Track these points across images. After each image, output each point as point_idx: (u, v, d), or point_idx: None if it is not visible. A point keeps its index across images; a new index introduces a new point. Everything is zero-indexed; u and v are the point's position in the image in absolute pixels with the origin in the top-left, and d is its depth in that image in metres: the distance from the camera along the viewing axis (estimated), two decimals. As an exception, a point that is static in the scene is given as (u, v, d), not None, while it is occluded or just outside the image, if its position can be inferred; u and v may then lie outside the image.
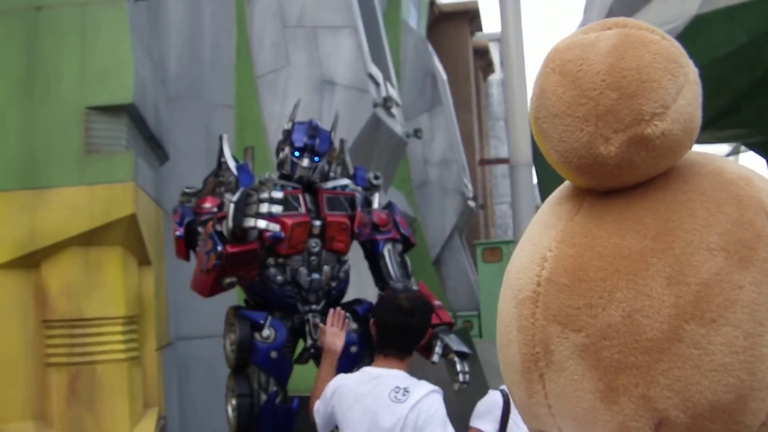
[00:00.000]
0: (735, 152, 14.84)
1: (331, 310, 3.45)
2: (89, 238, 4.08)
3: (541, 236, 0.86)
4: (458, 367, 3.75)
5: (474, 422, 2.85)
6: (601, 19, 0.87)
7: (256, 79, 7.86)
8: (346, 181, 4.25)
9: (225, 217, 3.49)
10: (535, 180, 8.68)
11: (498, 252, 14.26)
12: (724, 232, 0.76)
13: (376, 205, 4.30)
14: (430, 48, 15.74)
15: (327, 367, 3.30)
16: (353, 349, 3.94)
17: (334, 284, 4.09)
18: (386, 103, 8.44)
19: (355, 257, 4.41)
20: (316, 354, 3.89)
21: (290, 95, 7.44)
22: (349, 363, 3.68)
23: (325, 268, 4.03)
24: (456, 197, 15.08)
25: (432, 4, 18.80)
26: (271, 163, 5.68)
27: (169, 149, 5.55)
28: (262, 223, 3.39)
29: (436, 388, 2.82)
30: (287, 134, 4.07)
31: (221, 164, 4.06)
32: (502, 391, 2.86)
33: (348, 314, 3.93)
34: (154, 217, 4.72)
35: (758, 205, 0.78)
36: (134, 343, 4.26)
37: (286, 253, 3.91)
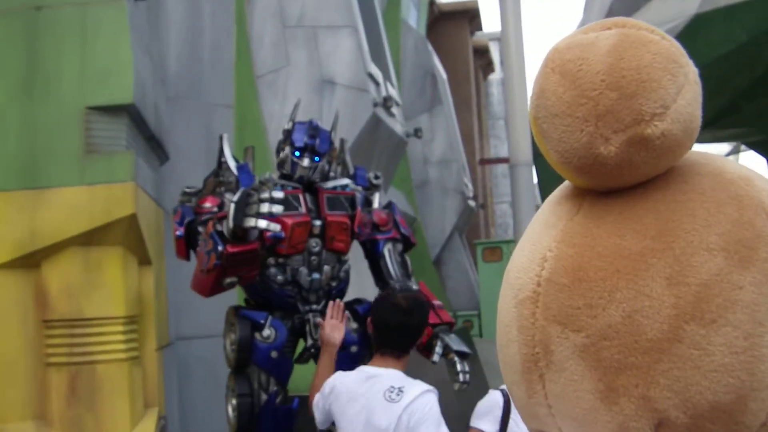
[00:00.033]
0: (735, 151, 14.84)
1: (331, 302, 3.45)
2: (89, 238, 4.08)
3: (541, 236, 0.86)
4: (458, 366, 3.75)
5: (474, 422, 2.85)
6: (601, 18, 0.87)
7: (256, 79, 7.85)
8: (346, 181, 4.25)
9: (225, 217, 3.49)
10: (535, 179, 8.68)
11: (498, 251, 14.27)
12: (724, 233, 0.76)
13: (376, 204, 4.30)
14: (430, 47, 15.74)
15: (326, 361, 3.31)
16: (353, 348, 3.94)
17: (334, 284, 4.09)
18: (386, 102, 8.44)
19: (356, 257, 4.41)
20: (316, 354, 3.89)
21: (290, 95, 7.44)
22: (349, 363, 3.68)
23: (326, 267, 4.03)
24: (456, 197, 15.08)
25: (432, 3, 18.80)
26: (271, 162, 5.68)
27: (169, 149, 5.55)
28: (262, 223, 3.39)
29: (430, 388, 2.83)
30: (287, 134, 4.07)
31: (221, 164, 4.06)
32: (502, 390, 2.85)
33: (348, 314, 3.93)
34: (154, 217, 4.72)
35: (758, 205, 0.78)
36: (134, 343, 4.26)
37: (286, 253, 3.91)
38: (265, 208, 3.38)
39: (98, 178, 4.11)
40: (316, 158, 4.00)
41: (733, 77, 8.64)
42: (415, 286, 4.13)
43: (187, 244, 3.93)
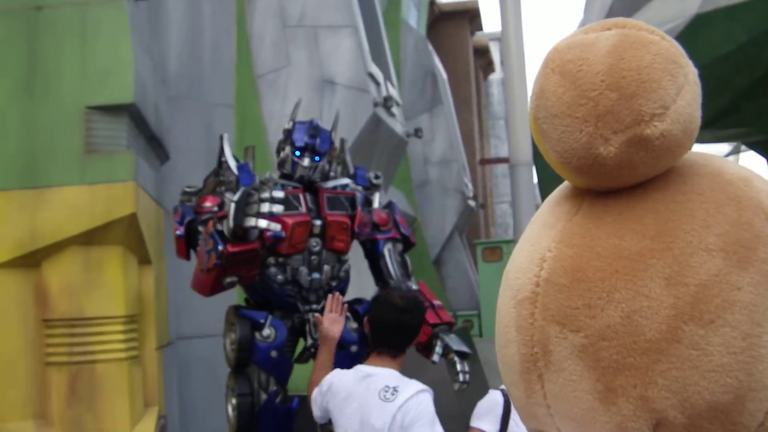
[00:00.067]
0: (735, 151, 14.83)
1: (330, 295, 3.45)
2: (90, 238, 4.08)
3: (540, 236, 0.86)
4: (458, 366, 3.75)
5: (474, 422, 2.84)
6: (601, 18, 0.87)
7: (257, 79, 7.85)
8: (346, 181, 4.25)
9: (226, 217, 3.50)
10: (535, 179, 8.68)
11: (498, 251, 14.27)
12: (723, 233, 0.76)
13: (376, 204, 4.30)
14: (431, 47, 15.73)
15: (325, 355, 3.31)
16: (353, 348, 3.94)
17: (334, 284, 4.09)
18: (386, 102, 8.43)
19: (356, 257, 4.41)
20: (316, 353, 3.89)
21: (291, 95, 7.44)
22: (348, 362, 3.67)
23: (326, 267, 4.03)
24: (456, 197, 15.08)
25: (432, 3, 18.80)
26: (271, 162, 5.69)
27: (170, 149, 5.55)
28: (263, 223, 3.39)
29: (425, 387, 2.83)
30: (288, 134, 4.07)
31: (222, 163, 4.06)
32: (502, 390, 2.85)
33: (348, 314, 3.93)
34: (154, 216, 4.73)
35: (757, 205, 0.78)
36: (134, 342, 4.26)
37: (286, 253, 3.91)
38: (265, 207, 3.38)
39: (99, 178, 4.11)
40: (317, 158, 4.00)
41: (733, 77, 8.64)
42: (415, 286, 4.13)
43: (187, 243, 3.93)
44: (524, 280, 0.84)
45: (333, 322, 3.35)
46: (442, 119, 15.11)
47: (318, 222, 3.98)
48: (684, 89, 0.76)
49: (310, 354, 4.02)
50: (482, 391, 3.02)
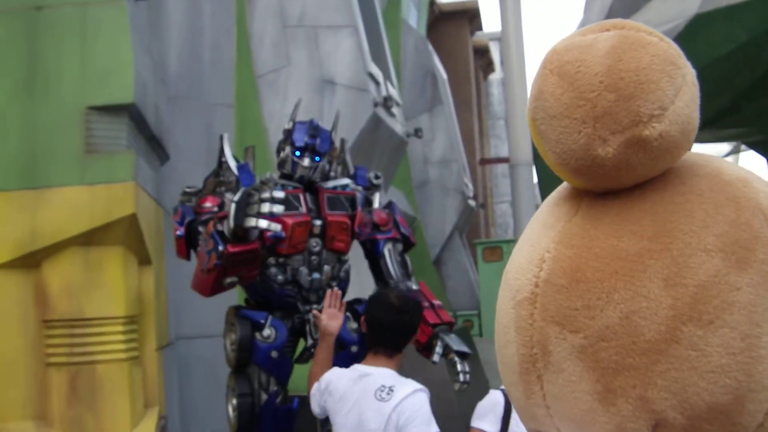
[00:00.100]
0: (735, 151, 14.82)
1: (328, 291, 3.45)
2: (90, 238, 4.08)
3: (540, 237, 0.86)
4: (459, 366, 3.75)
5: (475, 422, 2.85)
6: (601, 18, 0.87)
7: (257, 79, 7.85)
8: (346, 181, 4.25)
9: (226, 217, 3.50)
10: (535, 179, 8.68)
11: (498, 251, 14.26)
12: (722, 234, 0.76)
13: (376, 204, 4.30)
14: (431, 47, 15.73)
15: (324, 349, 3.32)
16: (354, 348, 3.94)
17: (334, 284, 4.09)
18: (386, 102, 8.43)
19: (356, 257, 4.41)
20: (316, 353, 3.89)
21: (291, 95, 7.44)
22: (349, 362, 3.67)
23: (326, 267, 4.03)
24: (456, 196, 15.07)
25: (432, 3, 18.79)
26: (271, 162, 5.69)
27: (170, 149, 5.55)
28: (263, 223, 3.39)
29: (421, 387, 2.84)
30: (288, 134, 4.07)
31: (222, 164, 4.06)
32: (503, 390, 2.85)
33: (348, 314, 3.93)
34: (154, 216, 4.73)
35: (756, 206, 0.78)
36: (135, 342, 4.27)
37: (286, 253, 3.92)
38: (265, 207, 3.38)
39: (99, 178, 4.11)
40: (317, 158, 4.00)
41: (733, 77, 8.63)
42: (415, 286, 4.13)
43: (187, 243, 3.93)
44: (523, 281, 0.85)
45: (332, 317, 3.35)
46: (442, 119, 15.11)
47: (318, 222, 3.98)
48: (682, 90, 0.76)
49: (310, 354, 4.02)
50: (482, 392, 3.02)
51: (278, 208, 3.41)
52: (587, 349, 0.77)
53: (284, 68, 7.91)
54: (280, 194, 3.43)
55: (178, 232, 3.92)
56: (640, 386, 0.75)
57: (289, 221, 3.81)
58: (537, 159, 7.74)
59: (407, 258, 4.32)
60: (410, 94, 13.97)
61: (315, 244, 3.99)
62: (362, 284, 5.36)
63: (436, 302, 4.02)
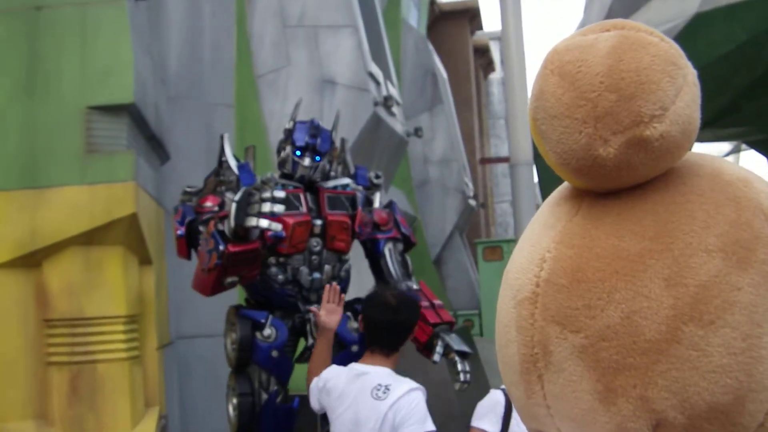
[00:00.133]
0: (736, 150, 14.83)
1: (327, 286, 3.46)
2: (90, 238, 4.08)
3: (540, 237, 0.86)
4: (459, 366, 3.75)
5: (475, 422, 2.85)
6: (601, 18, 0.87)
7: (257, 79, 7.85)
8: (347, 181, 4.25)
9: (227, 216, 3.50)
10: (535, 179, 8.68)
11: (499, 251, 14.24)
12: (723, 234, 0.76)
13: (377, 204, 4.30)
14: (431, 47, 15.71)
15: (323, 344, 3.33)
16: (354, 348, 3.94)
17: (335, 283, 4.09)
18: (387, 102, 8.43)
19: (356, 256, 4.41)
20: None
21: (291, 95, 7.44)
22: (349, 362, 3.68)
23: (326, 267, 4.03)
24: (456, 196, 15.06)
25: (432, 2, 18.78)
26: (272, 162, 5.68)
27: (170, 149, 5.55)
28: (264, 223, 3.40)
29: (417, 386, 2.85)
30: (288, 133, 4.08)
31: (222, 163, 4.06)
32: (503, 390, 2.85)
33: (349, 313, 3.93)
34: (154, 216, 4.73)
35: (756, 206, 0.78)
36: (135, 342, 4.27)
37: (287, 253, 3.92)
38: (266, 207, 3.38)
39: (99, 178, 4.11)
40: (317, 158, 4.01)
41: (733, 76, 8.63)
42: (415, 286, 4.14)
43: (188, 243, 3.93)
44: (524, 281, 0.85)
45: (330, 312, 3.35)
46: (442, 119, 15.09)
47: (318, 222, 3.99)
48: (683, 90, 0.76)
49: (310, 354, 4.02)
50: (483, 391, 3.02)
51: (279, 208, 3.41)
52: (588, 348, 0.77)
53: (284, 68, 7.90)
54: (280, 194, 3.43)
55: (179, 232, 3.92)
56: (640, 386, 0.75)
57: (290, 221, 3.81)
58: (537, 159, 7.74)
59: (407, 257, 4.32)
60: (410, 94, 13.96)
61: (315, 243, 3.99)
62: (363, 284, 5.35)
63: (437, 302, 4.02)
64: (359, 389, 2.85)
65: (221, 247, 3.47)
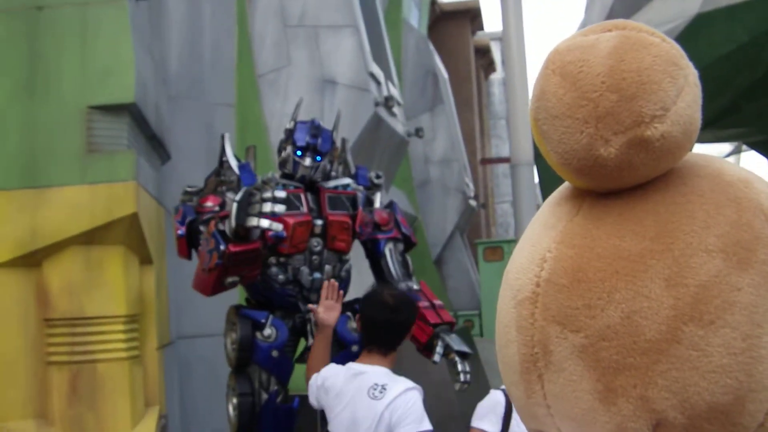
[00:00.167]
0: (737, 151, 14.82)
1: (325, 282, 3.46)
2: (90, 237, 4.08)
3: (541, 237, 0.86)
4: (459, 366, 3.75)
5: (476, 422, 2.85)
6: (602, 18, 0.87)
7: (258, 79, 7.85)
8: (347, 181, 4.25)
9: (227, 216, 3.50)
10: (536, 179, 8.68)
11: (499, 251, 14.25)
12: (723, 234, 0.76)
13: (377, 204, 4.30)
14: (432, 47, 15.72)
15: (321, 341, 3.33)
16: (354, 348, 3.94)
17: (333, 280, 4.09)
18: (387, 102, 8.43)
19: (357, 256, 4.41)
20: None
21: (291, 94, 7.44)
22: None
23: (327, 267, 4.03)
24: (457, 196, 15.06)
25: (433, 3, 18.78)
26: (272, 162, 5.69)
27: (171, 148, 5.55)
28: (265, 223, 3.40)
29: (414, 385, 2.85)
30: (289, 133, 4.08)
31: (223, 163, 4.06)
32: (503, 390, 2.85)
33: (349, 313, 3.94)
34: (155, 216, 4.73)
35: (757, 207, 0.78)
36: (135, 341, 4.27)
37: (288, 253, 3.92)
38: (267, 207, 3.38)
39: (99, 177, 4.11)
40: (318, 158, 4.01)
41: (734, 77, 8.63)
42: (416, 286, 4.14)
43: (188, 243, 3.94)
44: (524, 281, 0.85)
45: (329, 309, 3.36)
46: (443, 119, 15.10)
47: (319, 222, 3.99)
48: (684, 91, 0.76)
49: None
50: (483, 391, 3.02)
51: (280, 208, 3.41)
52: (588, 348, 0.77)
53: (285, 68, 7.91)
54: (281, 194, 3.44)
55: (180, 232, 3.92)
56: (640, 386, 0.75)
57: (291, 221, 3.81)
58: (538, 159, 7.75)
59: (408, 258, 4.32)
60: (411, 94, 13.96)
61: (316, 243, 3.99)
62: (363, 284, 5.36)
63: (437, 302, 4.02)
64: (356, 388, 2.86)
65: (222, 247, 3.47)
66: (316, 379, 3.10)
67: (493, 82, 26.82)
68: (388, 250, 4.21)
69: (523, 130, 7.45)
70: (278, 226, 3.49)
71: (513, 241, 12.91)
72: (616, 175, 0.78)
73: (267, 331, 3.89)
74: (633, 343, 0.75)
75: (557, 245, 0.83)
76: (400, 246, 4.29)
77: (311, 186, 4.07)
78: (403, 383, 2.85)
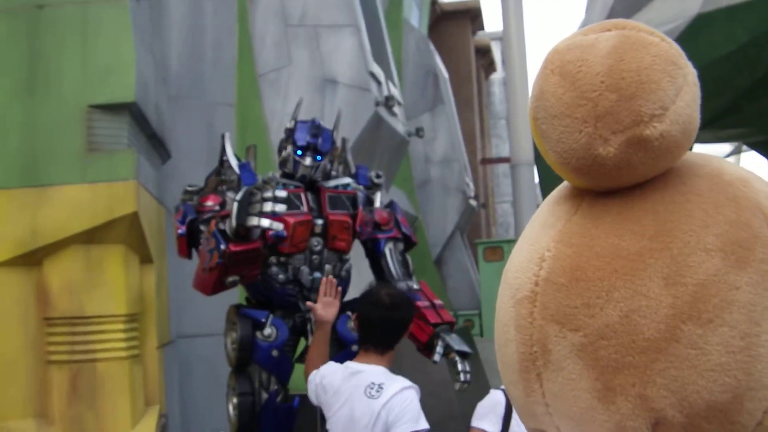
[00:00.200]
0: (737, 151, 14.81)
1: (324, 279, 3.46)
2: (91, 236, 4.09)
3: (540, 236, 0.86)
4: (459, 366, 3.75)
5: (476, 422, 2.84)
6: (603, 18, 0.87)
7: (258, 78, 7.86)
8: (347, 180, 4.25)
9: (228, 216, 3.50)
10: (536, 179, 8.69)
11: (499, 251, 14.24)
12: (722, 233, 0.76)
13: (377, 203, 4.31)
14: (432, 47, 15.72)
15: (320, 338, 3.33)
16: (354, 347, 3.94)
17: (331, 276, 4.09)
18: (388, 102, 8.43)
19: (357, 256, 4.41)
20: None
21: (292, 94, 7.44)
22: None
23: (327, 266, 4.03)
24: (457, 196, 15.06)
25: (434, 2, 18.78)
26: (273, 161, 5.69)
27: (171, 147, 5.55)
28: (265, 222, 3.40)
29: (410, 384, 2.85)
30: (290, 133, 4.08)
31: (223, 162, 4.06)
32: (503, 390, 2.85)
33: (349, 312, 3.94)
34: (155, 215, 4.73)
35: (755, 206, 0.78)
36: (135, 341, 4.27)
37: (288, 252, 3.92)
38: (268, 207, 3.39)
39: (100, 177, 4.12)
40: (318, 157, 4.01)
41: (734, 77, 8.63)
42: (416, 286, 4.14)
43: (188, 242, 3.94)
44: (523, 280, 0.85)
45: (327, 305, 3.36)
46: (443, 119, 15.10)
47: (319, 221, 3.99)
48: (683, 90, 0.76)
49: (310, 352, 4.03)
50: (483, 391, 3.02)
51: (280, 207, 3.42)
52: (587, 347, 0.77)
53: (285, 67, 7.91)
54: (282, 193, 3.44)
55: (180, 231, 3.92)
56: (639, 384, 0.75)
57: (291, 220, 3.81)
58: (538, 158, 7.75)
59: (408, 257, 4.32)
60: (412, 94, 13.96)
61: (316, 243, 3.99)
62: (363, 283, 5.35)
63: (437, 302, 4.02)
64: (354, 387, 2.86)
65: (222, 247, 3.47)
66: (315, 377, 3.11)
67: (493, 82, 26.83)
68: (388, 249, 4.22)
69: (524, 130, 7.46)
70: (279, 226, 3.49)
71: (513, 241, 12.89)
72: (615, 174, 0.78)
73: (267, 331, 3.90)
74: (632, 341, 0.75)
75: (556, 244, 0.83)
76: (401, 245, 4.29)
77: (311, 185, 4.07)
78: (400, 382, 2.85)
